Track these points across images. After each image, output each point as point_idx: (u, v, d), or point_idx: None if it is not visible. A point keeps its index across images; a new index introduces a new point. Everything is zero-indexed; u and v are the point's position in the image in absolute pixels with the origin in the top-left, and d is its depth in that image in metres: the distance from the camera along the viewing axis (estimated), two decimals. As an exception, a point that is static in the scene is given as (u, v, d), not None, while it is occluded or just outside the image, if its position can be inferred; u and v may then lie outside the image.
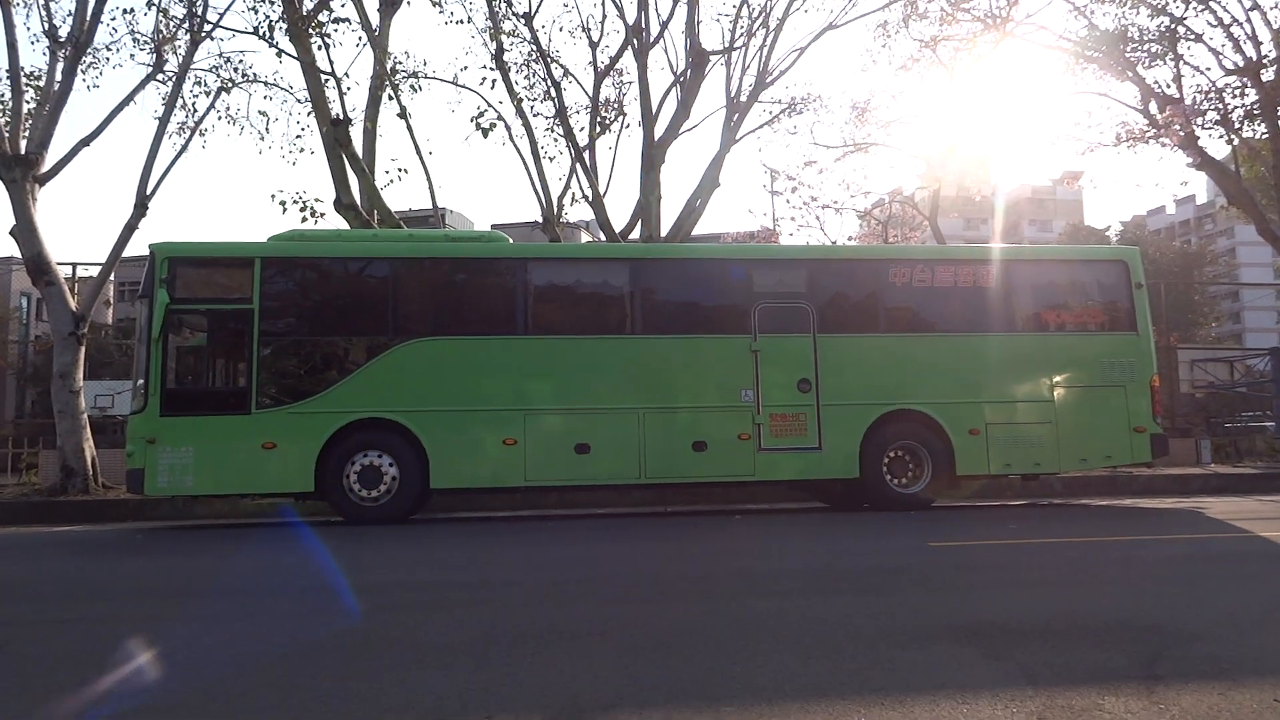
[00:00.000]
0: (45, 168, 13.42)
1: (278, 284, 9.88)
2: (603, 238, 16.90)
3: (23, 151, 13.28)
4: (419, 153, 15.08)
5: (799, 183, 22.43)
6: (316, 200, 14.25)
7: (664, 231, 16.36)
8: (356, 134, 14.75)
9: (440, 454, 9.55)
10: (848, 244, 22.55)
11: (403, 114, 14.71)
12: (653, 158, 16.49)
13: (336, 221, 15.01)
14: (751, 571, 5.78)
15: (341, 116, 14.25)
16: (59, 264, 13.62)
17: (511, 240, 10.74)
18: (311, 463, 9.37)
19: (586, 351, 10.02)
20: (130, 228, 13.86)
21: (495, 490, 10.45)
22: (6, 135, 13.21)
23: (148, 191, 13.96)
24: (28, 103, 14.15)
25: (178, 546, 8.13)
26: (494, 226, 39.28)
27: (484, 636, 4.04)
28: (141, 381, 9.50)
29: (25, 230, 13.05)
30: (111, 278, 15.27)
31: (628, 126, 18.29)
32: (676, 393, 9.97)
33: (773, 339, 10.19)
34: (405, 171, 15.02)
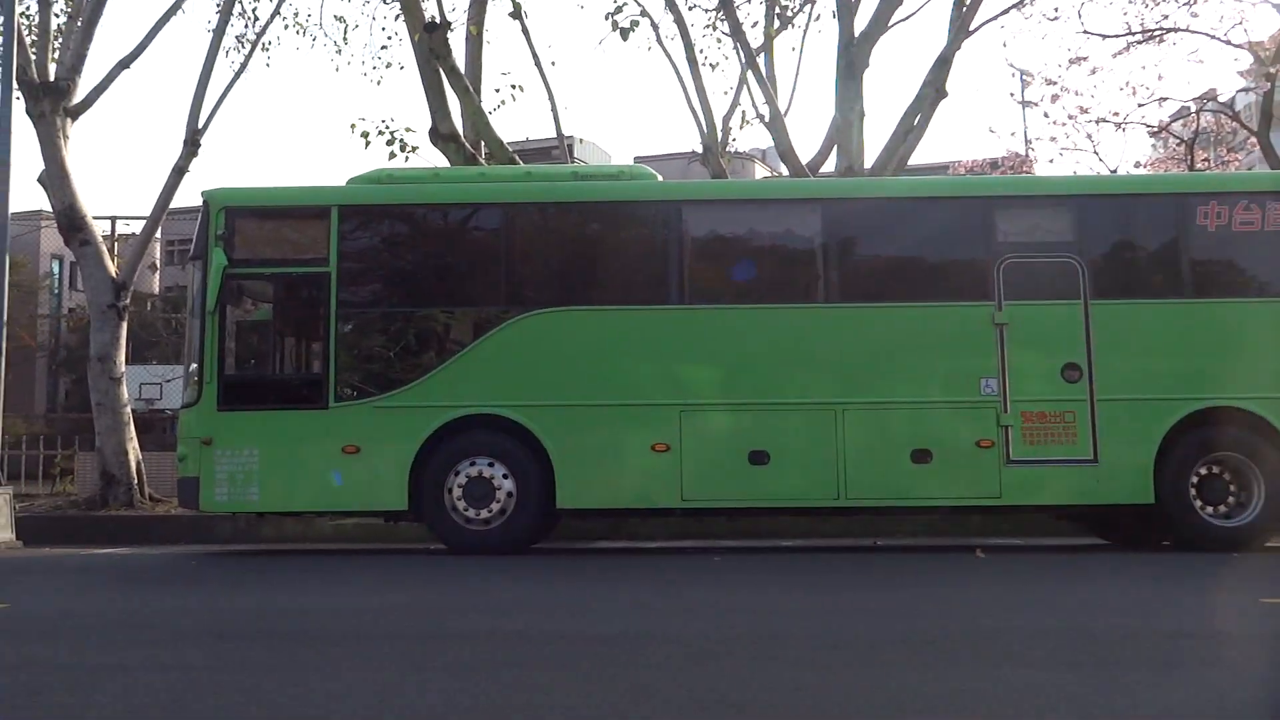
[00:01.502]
0: (78, 97, 14.43)
1: (360, 239, 10.29)
2: (784, 171, 16.75)
3: (52, 78, 14.30)
4: (538, 65, 15.37)
5: (1061, 88, 21.57)
6: (407, 130, 14.76)
7: (868, 162, 16.05)
8: (457, 41, 15.15)
9: (569, 463, 9.74)
10: (1135, 173, 21.54)
11: (516, 13, 15.00)
12: (853, 61, 16.18)
13: (433, 157, 15.47)
14: (997, 631, 5.61)
15: (438, 19, 14.64)
16: (95, 218, 14.63)
17: (661, 178, 10.79)
18: (404, 472, 9.73)
19: (764, 327, 10.00)
20: (179, 171, 14.74)
21: (642, 512, 10.57)
22: (34, 57, 14.24)
23: (199, 125, 14.80)
24: (56, 16, 15.21)
25: (243, 577, 8.60)
26: (637, 160, 39.58)
27: (631, 705, 4.08)
28: (195, 366, 10.09)
29: (56, 176, 14.08)
30: (157, 234, 16.29)
31: (817, 19, 18.02)
32: (889, 383, 9.84)
33: (1026, 307, 9.89)
34: (520, 89, 15.37)
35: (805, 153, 16.32)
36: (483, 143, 14.90)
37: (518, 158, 15.15)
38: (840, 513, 10.71)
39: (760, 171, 39.26)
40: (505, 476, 9.82)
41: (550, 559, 9.94)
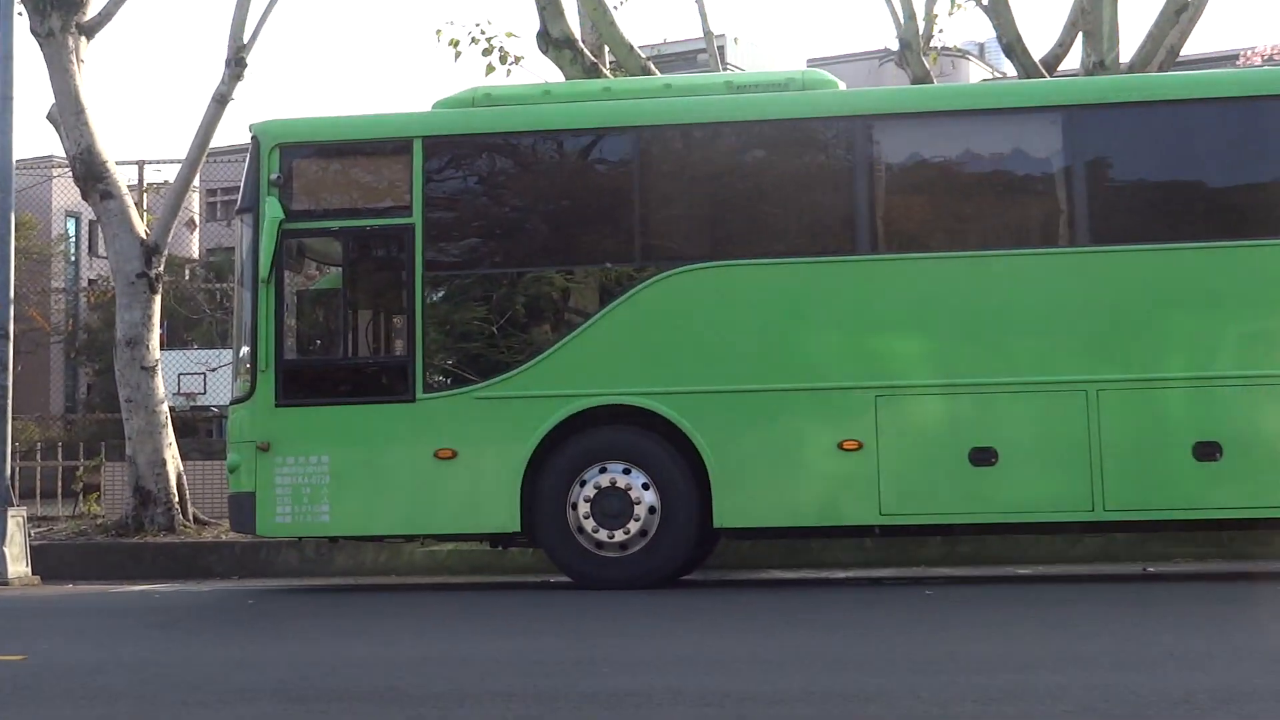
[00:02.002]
0: (93, 10, 14.87)
1: (451, 180, 10.44)
2: (1010, 72, 16.40)
3: (61, -14, 14.77)
4: (677, -60, 15.22)
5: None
6: (509, 36, 14.83)
7: (1126, 54, 15.64)
8: (571, -85, 15.14)
9: (730, 467, 9.72)
10: None
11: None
12: (1103, -84, 15.76)
13: (543, 70, 15.56)
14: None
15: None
16: (119, 164, 15.06)
17: (843, 85, 10.66)
18: (515, 483, 9.80)
19: (987, 281, 9.88)
20: (221, 100, 15.07)
21: (827, 532, 10.50)
22: (38, -40, 14.72)
23: (244, 40, 15.10)
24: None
25: (314, 621, 8.79)
26: (811, 64, 39.26)
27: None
28: (246, 350, 10.34)
29: (70, 110, 14.53)
30: (196, 182, 16.72)
31: None
32: (1162, 352, 9.68)
33: (1356, 246, 9.58)
34: (654, -24, 15.27)
35: (1037, 46, 15.97)
36: (606, 48, 14.91)
37: (653, 66, 15.12)
38: (1096, 529, 10.52)
39: (977, 73, 38.56)
40: (646, 487, 9.82)
41: (706, 594, 9.95)
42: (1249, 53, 25.58)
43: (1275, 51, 24.64)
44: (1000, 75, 34.66)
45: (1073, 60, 15.96)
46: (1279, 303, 9.62)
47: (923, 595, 9.27)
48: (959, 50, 20.94)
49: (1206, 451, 9.47)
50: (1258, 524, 10.15)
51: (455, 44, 14.86)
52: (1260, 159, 9.93)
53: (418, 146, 10.21)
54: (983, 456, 9.58)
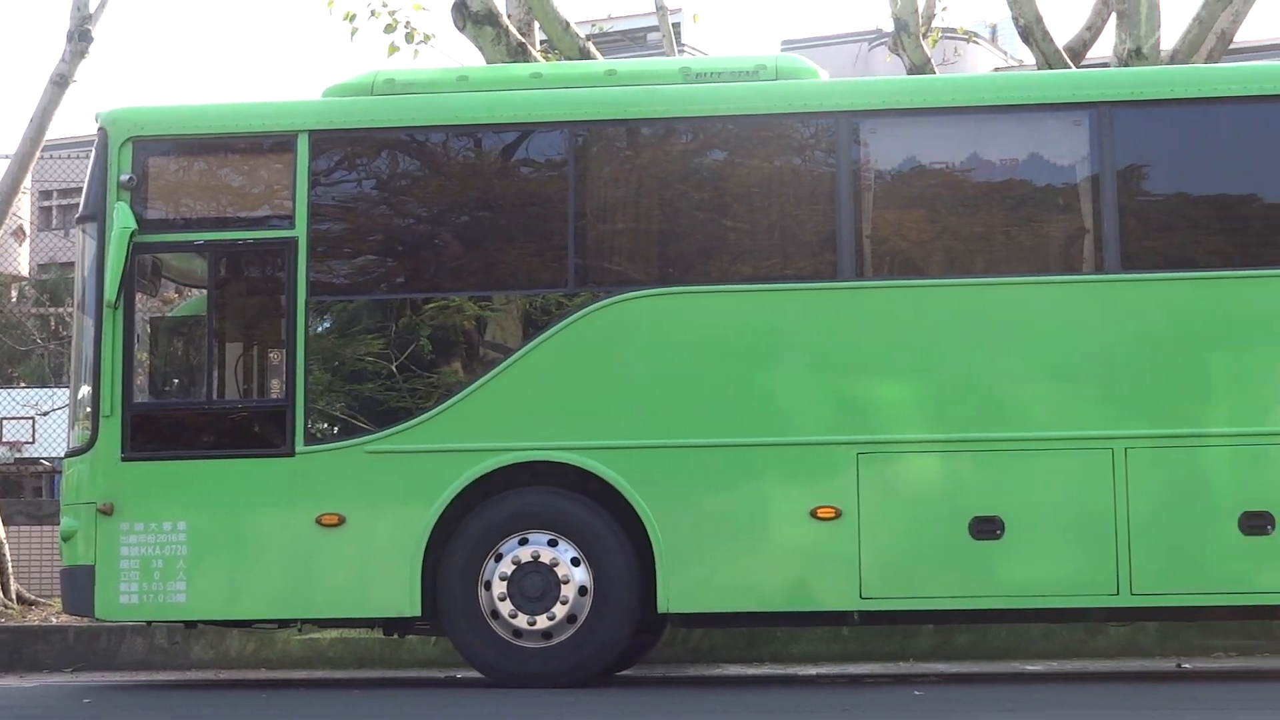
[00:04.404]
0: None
1: (343, 185, 10.47)
2: (1027, 60, 16.61)
3: None
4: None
5: None
6: (418, 8, 14.86)
7: (1169, 41, 15.89)
8: None
9: (678, 539, 9.70)
10: None
11: None
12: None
13: (459, 50, 15.62)
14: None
15: None
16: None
17: (825, 74, 10.77)
18: (415, 557, 9.78)
19: (993, 316, 9.97)
20: (60, 82, 15.06)
21: (796, 618, 10.52)
22: None
23: (90, 9, 15.10)
24: None
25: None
26: (785, 47, 39.48)
27: None
28: (86, 390, 10.31)
29: None
30: (28, 183, 16.65)
31: None
32: (1203, 405, 9.76)
33: None
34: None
35: (1061, 30, 16.19)
36: (537, 25, 14.96)
37: (593, 48, 15.16)
38: (1122, 616, 10.60)
39: (987, 60, 38.92)
40: (576, 562, 9.79)
41: (647, 694, 9.96)
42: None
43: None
44: (1016, 64, 35.04)
45: (1103, 47, 16.16)
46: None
47: (911, 696, 9.32)
48: (966, 33, 21.14)
49: (1256, 524, 9.54)
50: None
51: (351, 18, 14.86)
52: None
53: (303, 143, 10.18)
54: (986, 528, 9.61)
